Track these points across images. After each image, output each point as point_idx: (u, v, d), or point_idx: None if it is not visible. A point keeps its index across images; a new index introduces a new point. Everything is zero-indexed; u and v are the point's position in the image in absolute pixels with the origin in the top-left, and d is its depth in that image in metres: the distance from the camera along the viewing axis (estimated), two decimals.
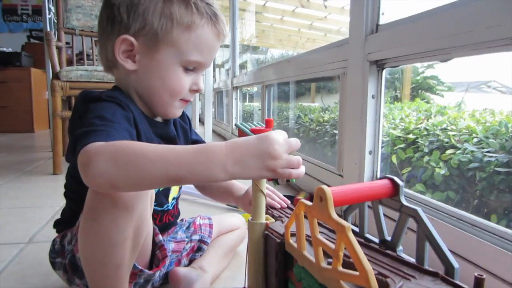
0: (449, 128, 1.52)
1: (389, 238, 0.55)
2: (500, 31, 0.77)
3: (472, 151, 1.33)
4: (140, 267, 0.79)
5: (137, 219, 0.69)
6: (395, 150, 1.67)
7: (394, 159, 1.66)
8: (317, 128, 2.56)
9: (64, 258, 0.79)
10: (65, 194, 0.84)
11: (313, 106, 3.31)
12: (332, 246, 0.43)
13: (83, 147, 0.54)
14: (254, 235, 0.63)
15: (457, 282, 0.42)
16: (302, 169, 0.56)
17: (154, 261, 0.84)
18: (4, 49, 4.51)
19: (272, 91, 2.81)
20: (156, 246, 0.83)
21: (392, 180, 0.52)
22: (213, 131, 4.91)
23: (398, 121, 1.85)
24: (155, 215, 0.86)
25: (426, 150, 1.54)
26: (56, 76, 2.10)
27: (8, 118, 4.40)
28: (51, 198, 1.66)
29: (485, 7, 0.81)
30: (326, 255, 0.48)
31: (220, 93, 4.98)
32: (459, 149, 1.40)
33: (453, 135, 1.47)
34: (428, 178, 1.48)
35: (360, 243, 0.55)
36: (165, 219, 0.91)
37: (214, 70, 5.62)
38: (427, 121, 1.70)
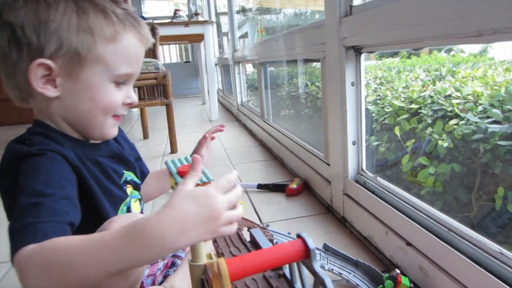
0: (453, 95, 1.41)
1: None
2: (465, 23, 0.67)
3: (476, 122, 1.23)
4: None
5: (131, 283, 0.68)
6: (399, 121, 1.57)
7: (397, 131, 1.57)
8: None
9: None
10: None
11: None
12: None
13: (15, 252, 0.51)
14: (194, 277, 0.61)
15: None
16: (239, 218, 0.52)
17: None
18: None
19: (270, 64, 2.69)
20: None
21: (304, 242, 0.47)
22: (221, 104, 4.84)
23: (401, 89, 1.73)
24: None
25: (429, 120, 1.44)
26: None
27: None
28: None
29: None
30: None
31: (227, 65, 4.85)
32: (462, 119, 1.29)
33: (457, 103, 1.35)
34: (432, 150, 1.39)
35: None
36: None
37: (221, 38, 5.37)
38: (434, 85, 1.58)
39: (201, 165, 0.59)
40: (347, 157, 1.24)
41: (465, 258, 0.78)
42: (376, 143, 1.61)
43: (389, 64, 2.28)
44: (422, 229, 0.91)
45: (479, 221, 1.19)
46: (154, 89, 2.09)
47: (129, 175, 0.92)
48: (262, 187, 1.70)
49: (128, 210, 0.85)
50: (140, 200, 0.94)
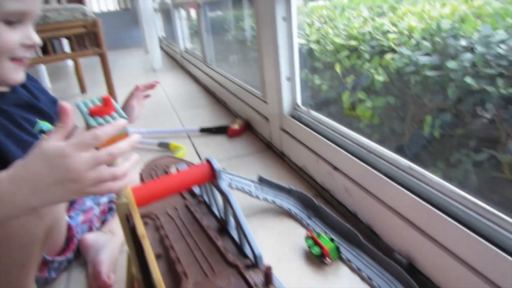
0: (390, 30, 1.44)
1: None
2: None
3: (409, 55, 1.29)
4: (51, 258, 0.80)
5: (49, 222, 0.67)
6: (339, 59, 1.61)
7: (337, 68, 1.61)
8: None
9: None
10: None
11: None
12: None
13: None
14: (120, 215, 0.62)
15: (251, 274, 0.42)
16: (124, 180, 0.48)
17: (65, 242, 0.85)
18: None
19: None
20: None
21: (210, 164, 0.49)
22: (166, 52, 4.68)
23: (342, 26, 1.74)
24: None
25: (367, 56, 1.48)
26: None
27: None
28: None
29: None
30: None
31: (169, 11, 4.59)
32: (397, 53, 1.34)
33: (393, 38, 1.39)
34: (370, 85, 1.44)
35: (198, 222, 0.54)
36: None
37: None
38: (373, 21, 1.61)
39: (114, 105, 0.59)
40: (282, 93, 1.26)
41: (380, 175, 0.85)
42: (319, 81, 1.65)
43: (336, 3, 2.27)
44: (347, 154, 0.97)
45: (410, 148, 1.28)
46: (85, 39, 1.98)
47: (44, 124, 0.89)
48: (204, 130, 1.72)
49: None
50: None
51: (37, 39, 0.69)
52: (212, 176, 0.49)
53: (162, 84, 2.90)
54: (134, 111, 1.05)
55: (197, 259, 0.46)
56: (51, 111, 0.91)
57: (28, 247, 0.65)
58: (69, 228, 0.86)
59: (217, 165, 0.49)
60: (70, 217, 0.92)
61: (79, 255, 0.93)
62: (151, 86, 1.08)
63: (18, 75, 0.70)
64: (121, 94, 2.46)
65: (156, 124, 1.92)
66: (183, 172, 0.48)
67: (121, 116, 0.59)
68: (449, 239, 0.68)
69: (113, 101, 0.59)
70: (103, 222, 0.99)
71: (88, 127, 0.56)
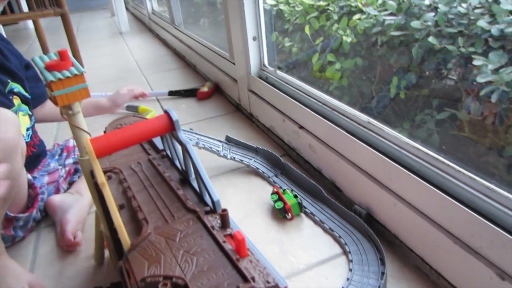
0: None
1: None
2: None
3: (375, 15, 1.29)
4: (13, 215, 0.80)
5: (5, 175, 0.67)
6: (309, 20, 1.60)
7: (307, 30, 1.60)
8: None
9: None
10: None
11: None
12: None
13: None
14: (84, 170, 0.63)
15: (209, 218, 0.44)
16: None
17: (29, 200, 0.85)
18: None
19: None
20: (27, 185, 0.84)
21: (169, 115, 0.50)
22: (133, 15, 4.52)
23: None
24: None
25: (336, 17, 1.48)
26: None
27: None
28: None
29: None
30: None
31: None
32: (364, 13, 1.35)
33: None
34: (338, 47, 1.45)
35: (161, 175, 0.56)
36: (27, 151, 0.88)
37: None
38: None
39: (71, 59, 0.58)
40: (249, 53, 1.26)
41: (343, 131, 0.88)
42: (289, 43, 1.64)
43: None
44: (312, 112, 0.99)
45: (377, 109, 1.31)
46: None
47: (15, 86, 0.88)
48: (173, 93, 1.70)
49: None
50: (30, 116, 0.92)
51: None
52: (171, 127, 0.50)
53: (130, 48, 2.81)
54: (120, 97, 1.19)
55: (158, 207, 0.48)
56: (21, 74, 0.89)
57: None
58: (33, 187, 0.85)
59: (175, 116, 0.50)
60: (34, 177, 0.92)
61: (48, 216, 0.93)
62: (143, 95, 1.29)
63: None
64: (87, 57, 2.39)
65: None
66: (142, 123, 0.49)
67: (78, 70, 0.58)
68: (404, 189, 0.72)
69: (70, 55, 0.58)
70: (71, 184, 0.99)
71: (46, 82, 0.55)
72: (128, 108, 1.53)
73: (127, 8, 4.53)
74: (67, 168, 0.99)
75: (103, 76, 2.13)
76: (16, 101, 0.89)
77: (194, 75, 2.01)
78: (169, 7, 2.49)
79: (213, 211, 0.46)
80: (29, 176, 0.86)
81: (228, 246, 0.39)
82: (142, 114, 1.48)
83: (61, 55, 0.59)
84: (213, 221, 0.44)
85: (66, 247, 0.84)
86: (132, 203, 0.49)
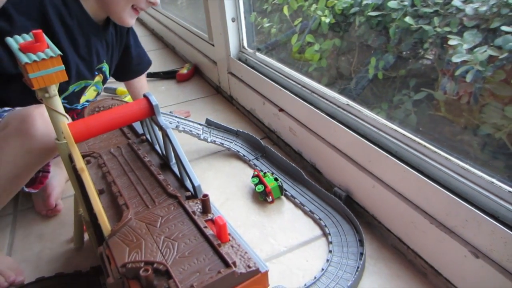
0: None
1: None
2: None
3: None
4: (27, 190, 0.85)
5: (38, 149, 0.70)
6: (287, 1, 1.58)
7: (285, 10, 1.59)
8: None
9: None
10: None
11: None
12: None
13: None
14: (62, 154, 0.61)
15: (190, 204, 0.44)
16: None
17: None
18: None
19: None
20: None
21: (148, 100, 0.49)
22: None
23: None
24: None
25: None
26: None
27: None
28: None
29: None
30: None
31: None
32: None
33: None
34: (317, 27, 1.44)
35: (141, 160, 0.55)
36: (70, 115, 0.93)
37: None
38: None
39: (46, 40, 0.56)
40: (228, 35, 1.24)
41: (322, 114, 0.88)
42: (268, 24, 1.62)
43: None
44: (292, 95, 0.99)
45: (356, 90, 1.31)
46: None
47: (105, 66, 0.96)
48: (152, 75, 1.67)
49: (82, 90, 0.92)
50: (98, 92, 1.01)
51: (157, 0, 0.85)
52: (151, 112, 0.49)
53: None
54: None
55: (139, 192, 0.47)
56: (116, 59, 1.02)
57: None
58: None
59: (154, 100, 0.49)
60: None
61: (24, 199, 0.92)
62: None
63: (131, 21, 0.87)
64: None
65: None
66: (121, 107, 0.48)
67: (54, 52, 0.56)
68: (383, 171, 0.73)
69: (45, 36, 0.56)
70: None
71: (21, 64, 0.53)
72: (106, 90, 1.50)
73: None
74: None
75: None
76: (98, 78, 0.96)
77: (173, 56, 1.97)
78: None
79: (194, 196, 0.46)
80: None
81: (209, 231, 0.39)
82: (120, 97, 1.45)
83: (36, 36, 0.57)
84: (194, 206, 0.44)
85: (46, 212, 0.88)
86: (112, 188, 0.48)
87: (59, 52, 0.55)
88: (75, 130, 0.45)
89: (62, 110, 0.58)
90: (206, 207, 0.43)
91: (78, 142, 0.46)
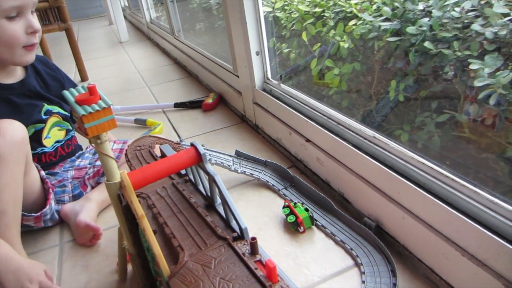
0: None
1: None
2: None
3: (371, 21, 1.33)
4: (33, 214, 0.87)
5: (14, 168, 0.75)
6: (305, 26, 1.64)
7: (304, 36, 1.64)
8: None
9: None
10: None
11: None
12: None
13: None
14: (111, 194, 0.66)
15: (239, 245, 0.48)
16: None
17: (45, 194, 0.94)
18: None
19: None
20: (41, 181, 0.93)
21: (196, 148, 0.54)
22: (130, 23, 4.55)
23: None
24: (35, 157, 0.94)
25: (332, 23, 1.52)
26: None
27: None
28: None
29: None
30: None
31: None
32: (360, 19, 1.38)
33: (355, 4, 1.43)
34: (336, 52, 1.49)
35: (187, 200, 0.59)
36: (44, 159, 0.99)
37: None
38: None
39: (99, 93, 0.62)
40: (252, 67, 1.30)
41: (348, 145, 0.92)
42: (287, 49, 1.68)
43: None
44: (318, 126, 1.03)
45: (377, 112, 1.34)
46: (49, 13, 1.91)
47: (52, 108, 0.99)
48: (178, 105, 1.73)
49: (36, 134, 0.95)
50: (68, 130, 1.05)
51: (36, 26, 0.81)
52: (198, 159, 0.54)
53: (131, 58, 2.85)
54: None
55: (190, 233, 0.51)
56: (59, 98, 1.01)
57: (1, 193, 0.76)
58: (45, 181, 0.94)
59: (202, 149, 0.53)
60: (56, 172, 1.02)
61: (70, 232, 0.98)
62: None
63: (29, 58, 0.85)
64: (90, 69, 2.42)
65: (130, 100, 1.92)
66: (172, 157, 0.53)
67: (106, 103, 0.62)
68: (411, 202, 0.76)
69: (98, 89, 0.62)
70: (98, 183, 1.07)
71: (76, 115, 0.59)
72: (137, 121, 1.57)
73: (124, 16, 4.56)
74: (95, 169, 1.06)
75: (107, 88, 2.16)
76: (54, 118, 0.99)
77: (197, 85, 2.05)
78: (168, 18, 2.52)
79: (240, 237, 0.50)
80: (42, 173, 0.94)
81: (260, 272, 0.43)
82: (150, 128, 1.51)
83: (90, 90, 0.63)
84: (243, 248, 0.48)
85: (90, 242, 0.92)
86: (165, 230, 0.53)
87: (110, 103, 0.61)
88: (133, 179, 0.50)
89: (111, 154, 0.63)
90: (254, 249, 0.46)
91: (135, 190, 0.50)
